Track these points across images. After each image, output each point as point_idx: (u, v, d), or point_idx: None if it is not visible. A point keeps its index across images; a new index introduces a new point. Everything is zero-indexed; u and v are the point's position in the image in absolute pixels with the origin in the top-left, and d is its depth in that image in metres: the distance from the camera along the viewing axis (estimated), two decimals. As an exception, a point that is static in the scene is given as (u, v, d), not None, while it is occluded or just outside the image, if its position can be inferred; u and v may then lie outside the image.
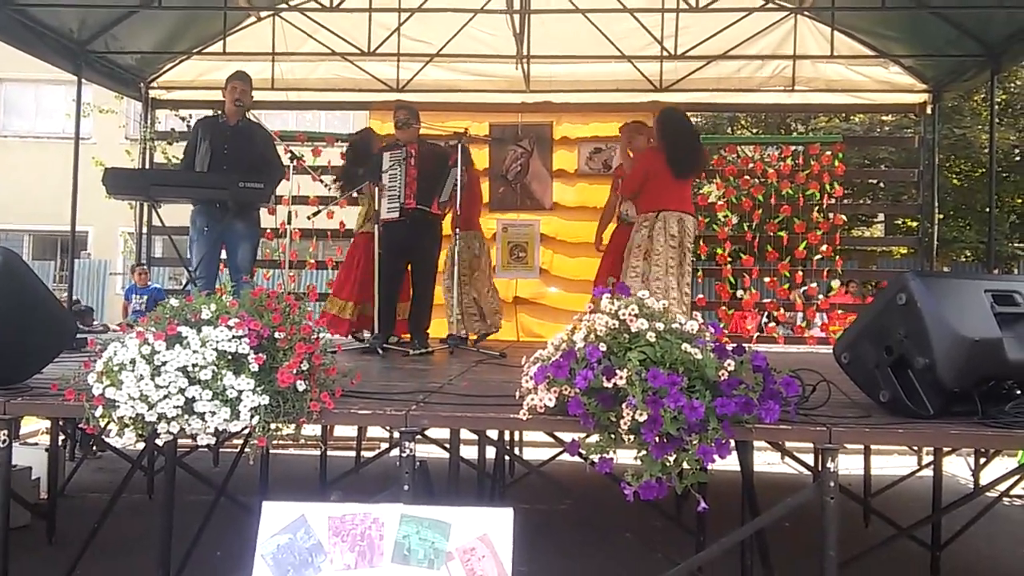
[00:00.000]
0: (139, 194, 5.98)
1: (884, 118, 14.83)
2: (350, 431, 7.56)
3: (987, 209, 8.16)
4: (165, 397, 2.69)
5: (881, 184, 16.25)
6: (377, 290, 5.81)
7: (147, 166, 8.56)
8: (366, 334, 6.39)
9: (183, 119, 8.81)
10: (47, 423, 6.87)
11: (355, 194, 6.70)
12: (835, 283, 8.37)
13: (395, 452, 3.09)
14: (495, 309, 6.96)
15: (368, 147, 6.70)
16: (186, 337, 2.74)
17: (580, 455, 2.81)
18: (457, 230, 6.12)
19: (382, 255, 5.76)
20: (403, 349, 5.67)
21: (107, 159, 7.66)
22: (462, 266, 6.50)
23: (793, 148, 8.48)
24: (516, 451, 7.09)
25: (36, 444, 6.71)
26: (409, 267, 6.01)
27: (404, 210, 5.64)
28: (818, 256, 8.05)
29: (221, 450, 6.74)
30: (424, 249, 5.86)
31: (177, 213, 6.51)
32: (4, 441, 3.03)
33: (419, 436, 3.02)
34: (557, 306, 8.17)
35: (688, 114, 6.55)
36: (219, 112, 6.11)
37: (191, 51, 8.31)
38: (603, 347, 2.68)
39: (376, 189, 5.76)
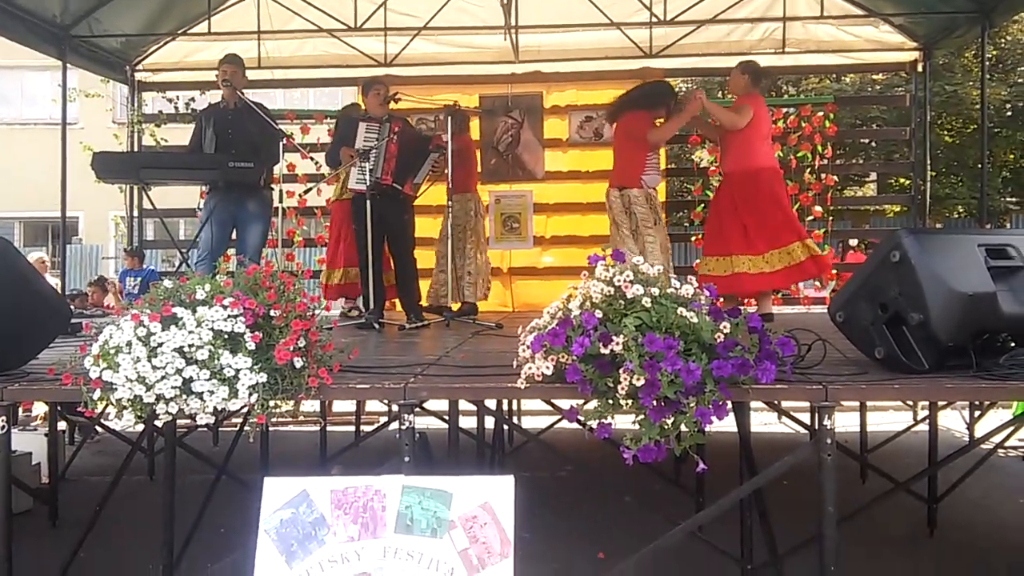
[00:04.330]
0: (129, 177, 5.98)
1: (875, 77, 14.77)
2: (349, 406, 7.58)
3: (979, 165, 8.15)
4: (163, 378, 2.68)
5: (873, 143, 16.19)
6: (363, 266, 5.78)
7: (135, 149, 8.51)
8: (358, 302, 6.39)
9: (170, 101, 8.75)
10: (44, 409, 6.89)
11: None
12: (826, 247, 8.33)
13: (394, 425, 3.10)
14: (487, 274, 6.92)
15: (354, 123, 6.63)
16: (181, 318, 2.74)
17: (578, 422, 2.83)
18: (452, 196, 5.92)
19: (358, 230, 5.74)
20: (399, 323, 5.67)
21: (95, 144, 7.57)
22: (457, 231, 6.38)
23: (784, 110, 8.42)
24: (515, 420, 7.12)
25: (35, 429, 6.72)
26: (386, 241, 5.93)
27: (378, 185, 5.59)
28: (810, 217, 8.04)
29: (221, 429, 6.78)
30: (399, 222, 5.84)
31: (168, 195, 6.49)
32: (3, 427, 3.03)
33: (418, 408, 3.03)
34: (551, 277, 8.15)
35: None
36: (221, 100, 6.04)
37: (176, 32, 8.23)
38: (599, 314, 2.68)
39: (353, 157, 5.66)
